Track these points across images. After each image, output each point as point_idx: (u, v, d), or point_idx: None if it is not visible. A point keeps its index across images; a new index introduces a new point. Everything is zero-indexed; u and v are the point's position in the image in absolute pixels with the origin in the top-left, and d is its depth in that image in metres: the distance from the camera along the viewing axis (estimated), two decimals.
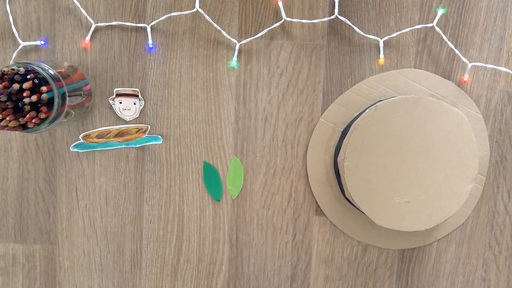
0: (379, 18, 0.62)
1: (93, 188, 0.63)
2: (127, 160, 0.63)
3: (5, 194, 0.63)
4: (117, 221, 0.64)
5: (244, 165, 0.63)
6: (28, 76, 0.50)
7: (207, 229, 0.64)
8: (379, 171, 0.55)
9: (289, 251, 0.65)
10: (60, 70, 0.54)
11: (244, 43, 0.61)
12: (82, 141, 0.62)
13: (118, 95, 0.62)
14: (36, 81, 0.50)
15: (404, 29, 0.61)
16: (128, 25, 0.61)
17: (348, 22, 0.60)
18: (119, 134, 0.62)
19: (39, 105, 0.51)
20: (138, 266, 0.65)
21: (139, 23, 0.61)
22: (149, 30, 0.60)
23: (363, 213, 0.58)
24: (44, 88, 0.50)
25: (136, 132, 0.62)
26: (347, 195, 0.59)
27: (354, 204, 0.57)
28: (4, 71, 0.50)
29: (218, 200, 0.64)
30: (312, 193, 0.64)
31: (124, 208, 0.64)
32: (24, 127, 0.51)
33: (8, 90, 0.50)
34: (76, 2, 0.60)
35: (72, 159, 0.63)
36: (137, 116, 0.62)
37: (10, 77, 0.51)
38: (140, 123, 0.62)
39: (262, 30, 0.61)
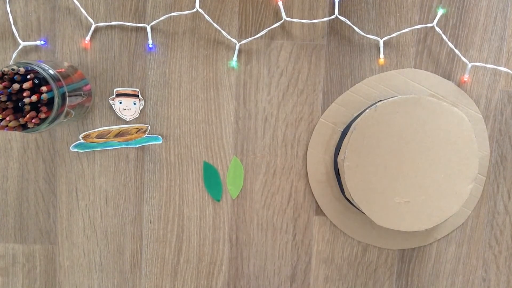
0: (379, 18, 0.62)
1: (93, 188, 0.63)
2: (127, 160, 0.63)
3: (5, 194, 0.63)
4: (117, 221, 0.64)
5: (244, 165, 0.63)
6: (28, 76, 0.50)
7: (207, 229, 0.64)
8: (379, 171, 0.55)
9: (289, 251, 0.65)
10: (60, 70, 0.54)
11: (244, 43, 0.61)
12: (82, 141, 0.62)
13: (118, 95, 0.62)
14: (36, 81, 0.50)
15: (404, 29, 0.61)
16: (128, 25, 0.61)
17: (348, 22, 0.60)
18: (119, 134, 0.62)
19: (39, 105, 0.51)
20: (138, 266, 0.65)
21: (139, 23, 0.61)
22: (149, 30, 0.60)
23: (363, 213, 0.58)
24: (44, 88, 0.50)
25: (136, 132, 0.62)
26: (347, 195, 0.59)
27: (354, 204, 0.57)
28: (4, 71, 0.50)
29: (218, 200, 0.64)
30: (312, 193, 0.64)
31: (124, 208, 0.64)
32: (24, 127, 0.51)
33: (8, 90, 0.50)
34: (76, 2, 0.60)
35: (72, 159, 0.63)
36: (137, 116, 0.62)
37: (10, 77, 0.51)
38: (140, 123, 0.62)
39: (262, 30, 0.61)
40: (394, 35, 0.61)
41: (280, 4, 0.60)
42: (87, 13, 0.61)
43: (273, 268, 0.65)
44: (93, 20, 0.61)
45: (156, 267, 0.65)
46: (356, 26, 0.61)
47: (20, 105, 0.49)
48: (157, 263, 0.65)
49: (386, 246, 0.64)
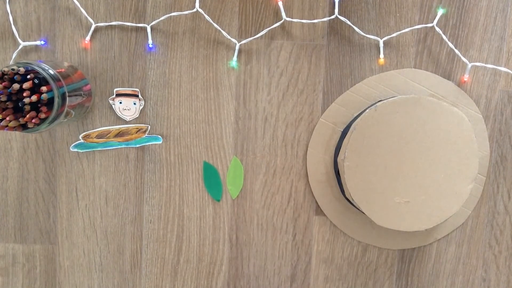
0: (379, 18, 0.62)
1: (93, 188, 0.63)
2: (127, 160, 0.63)
3: (5, 194, 0.63)
4: (117, 221, 0.64)
5: (244, 165, 0.63)
6: (28, 76, 0.50)
7: (207, 229, 0.64)
8: (379, 171, 0.55)
9: (289, 251, 0.65)
10: (60, 70, 0.54)
11: (244, 43, 0.61)
12: (82, 141, 0.62)
13: (118, 95, 0.62)
14: (36, 81, 0.50)
15: (404, 29, 0.61)
16: (128, 25, 0.61)
17: (348, 22, 0.60)
18: (119, 134, 0.62)
19: (39, 105, 0.51)
20: (138, 266, 0.65)
21: (139, 23, 0.61)
22: (149, 30, 0.60)
23: (363, 213, 0.58)
24: (44, 88, 0.50)
25: (136, 132, 0.62)
26: (347, 195, 0.59)
27: (354, 204, 0.57)
28: (4, 71, 0.50)
29: (218, 200, 0.64)
30: (312, 193, 0.64)
31: (124, 208, 0.64)
32: (24, 127, 0.51)
33: (8, 90, 0.50)
34: (76, 2, 0.60)
35: (72, 159, 0.63)
36: (137, 116, 0.62)
37: (10, 77, 0.51)
38: (140, 123, 0.62)
39: (262, 30, 0.61)
40: (394, 35, 0.61)
41: (280, 4, 0.60)
42: (87, 13, 0.61)
43: (273, 268, 0.65)
44: (93, 20, 0.61)
45: (156, 267, 0.65)
46: (356, 26, 0.61)
47: (20, 105, 0.49)
48: (157, 263, 0.65)
49: (386, 246, 0.64)
